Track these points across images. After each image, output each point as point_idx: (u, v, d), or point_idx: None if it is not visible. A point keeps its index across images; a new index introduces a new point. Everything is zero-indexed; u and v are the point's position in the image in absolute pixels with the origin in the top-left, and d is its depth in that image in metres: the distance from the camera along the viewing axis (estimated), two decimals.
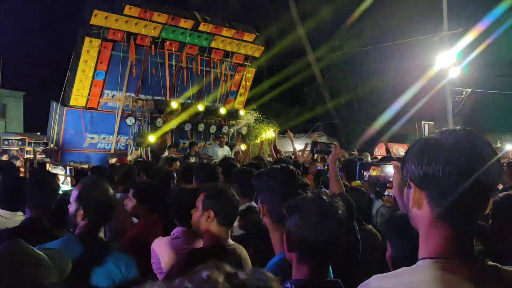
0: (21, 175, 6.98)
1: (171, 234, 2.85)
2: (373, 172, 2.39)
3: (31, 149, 12.86)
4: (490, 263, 1.15)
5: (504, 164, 5.87)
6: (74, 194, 2.55)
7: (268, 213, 2.13)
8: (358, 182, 5.22)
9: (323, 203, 1.67)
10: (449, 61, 17.34)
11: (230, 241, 2.52)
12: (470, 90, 18.39)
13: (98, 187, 2.57)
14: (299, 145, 11.84)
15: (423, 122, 18.84)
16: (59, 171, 8.69)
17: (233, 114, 14.89)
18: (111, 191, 2.61)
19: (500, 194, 2.28)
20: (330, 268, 1.75)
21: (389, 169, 2.34)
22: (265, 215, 2.16)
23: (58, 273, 1.82)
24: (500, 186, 4.20)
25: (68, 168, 9.22)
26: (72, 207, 2.53)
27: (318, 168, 7.53)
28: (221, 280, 0.60)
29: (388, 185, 3.85)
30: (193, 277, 0.61)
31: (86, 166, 10.85)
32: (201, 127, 14.42)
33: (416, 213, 1.21)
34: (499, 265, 1.15)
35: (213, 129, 14.64)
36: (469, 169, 1.10)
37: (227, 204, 2.48)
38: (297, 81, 24.77)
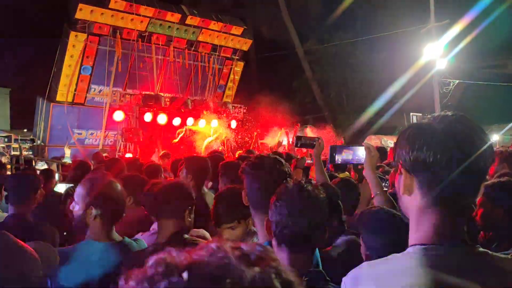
0: (7, 172, 6.92)
1: (151, 229, 2.79)
2: (345, 155, 2.36)
3: (17, 145, 12.71)
4: (481, 249, 1.13)
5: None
6: (81, 192, 2.28)
7: (247, 199, 2.10)
8: (347, 173, 5.23)
9: (300, 191, 1.64)
10: (436, 52, 17.44)
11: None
12: (457, 81, 18.52)
13: (108, 183, 2.33)
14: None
15: (411, 114, 18.90)
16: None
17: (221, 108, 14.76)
18: (119, 186, 2.39)
19: (490, 181, 2.28)
20: (319, 258, 1.71)
21: (361, 151, 2.31)
22: (245, 201, 2.13)
23: (46, 267, 1.79)
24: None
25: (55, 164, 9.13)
26: (78, 206, 2.26)
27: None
28: (229, 249, 0.62)
29: (359, 167, 3.85)
30: (203, 249, 0.62)
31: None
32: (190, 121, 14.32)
33: (406, 200, 1.19)
34: (489, 251, 1.14)
35: (202, 123, 14.56)
36: (461, 154, 1.08)
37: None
38: (286, 74, 24.75)
